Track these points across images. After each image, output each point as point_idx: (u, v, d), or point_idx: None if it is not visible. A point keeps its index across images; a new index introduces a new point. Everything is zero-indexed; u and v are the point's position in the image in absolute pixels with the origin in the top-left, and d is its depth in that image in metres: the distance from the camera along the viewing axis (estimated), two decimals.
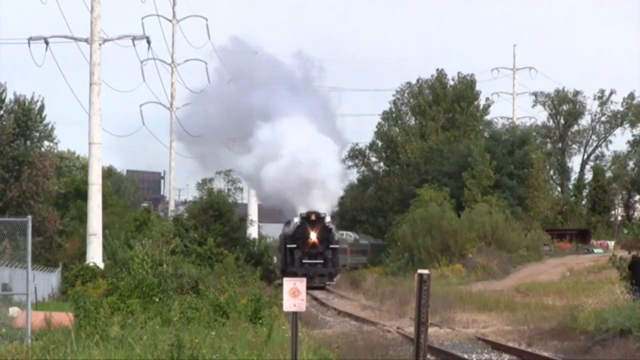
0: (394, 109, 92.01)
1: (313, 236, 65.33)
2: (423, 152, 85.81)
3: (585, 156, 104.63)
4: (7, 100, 63.40)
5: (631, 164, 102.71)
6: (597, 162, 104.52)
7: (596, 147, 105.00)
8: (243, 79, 76.80)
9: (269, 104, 72.69)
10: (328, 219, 66.81)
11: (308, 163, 68.13)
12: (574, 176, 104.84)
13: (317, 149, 68.66)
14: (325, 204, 69.26)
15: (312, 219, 65.76)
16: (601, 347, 24.46)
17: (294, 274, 58.36)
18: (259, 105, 72.67)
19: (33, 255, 26.95)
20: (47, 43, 56.64)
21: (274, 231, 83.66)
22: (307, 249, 65.19)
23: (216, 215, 67.35)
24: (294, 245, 65.45)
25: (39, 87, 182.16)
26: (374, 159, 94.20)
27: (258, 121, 72.73)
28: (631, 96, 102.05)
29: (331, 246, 65.80)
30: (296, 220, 66.32)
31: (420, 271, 15.85)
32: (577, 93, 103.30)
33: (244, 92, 75.70)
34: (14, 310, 29.42)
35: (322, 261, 65.13)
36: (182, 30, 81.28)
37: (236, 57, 77.90)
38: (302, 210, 66.90)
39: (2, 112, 63.15)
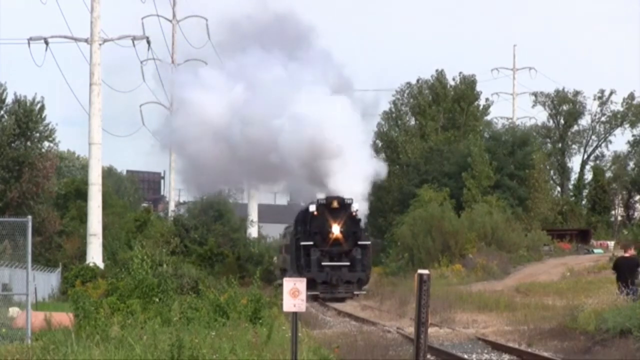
0: (393, 109, 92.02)
1: (336, 230, 50.58)
2: (423, 152, 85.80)
3: (585, 156, 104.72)
4: (7, 101, 63.57)
5: (631, 164, 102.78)
6: (597, 162, 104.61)
7: (596, 147, 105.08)
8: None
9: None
10: (356, 206, 51.44)
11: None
12: (574, 176, 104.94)
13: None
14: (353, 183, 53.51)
15: (333, 207, 50.86)
16: (601, 347, 24.46)
17: (310, 281, 44.40)
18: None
19: (33, 256, 26.98)
20: (47, 43, 56.83)
21: (274, 231, 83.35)
22: (327, 247, 50.78)
23: (216, 216, 67.35)
24: (311, 243, 50.94)
25: (39, 87, 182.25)
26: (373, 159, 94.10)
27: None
28: (631, 96, 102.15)
29: (360, 243, 51.23)
30: (312, 208, 51.19)
31: (420, 271, 15.86)
32: (577, 93, 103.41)
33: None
34: (14, 311, 29.47)
35: (348, 263, 50.58)
36: (182, 30, 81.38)
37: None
38: (320, 195, 52.44)
39: (2, 112, 63.26)
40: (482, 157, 77.34)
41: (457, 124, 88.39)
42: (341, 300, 48.73)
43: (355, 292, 50.16)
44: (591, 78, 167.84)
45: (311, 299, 45.63)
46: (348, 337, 28.47)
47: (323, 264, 50.40)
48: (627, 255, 31.51)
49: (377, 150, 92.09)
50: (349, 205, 50.95)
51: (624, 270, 30.49)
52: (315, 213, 50.74)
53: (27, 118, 62.66)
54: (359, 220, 52.00)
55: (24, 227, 24.20)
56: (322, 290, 49.97)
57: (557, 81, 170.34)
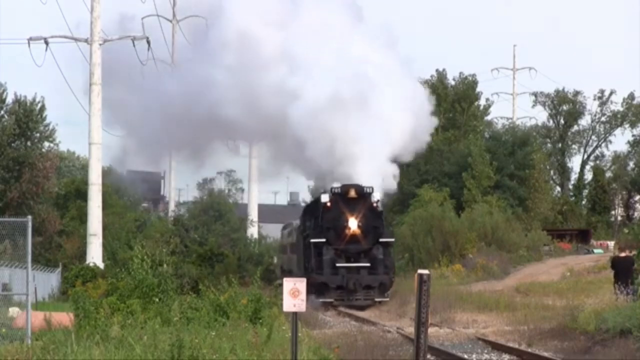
0: None
1: (353, 224, 42.57)
2: (423, 152, 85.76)
3: (585, 156, 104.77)
4: (7, 101, 63.61)
5: (631, 164, 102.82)
6: (597, 162, 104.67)
7: (596, 147, 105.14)
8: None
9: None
10: (377, 196, 43.28)
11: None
12: (574, 176, 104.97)
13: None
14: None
15: (350, 197, 42.76)
16: (601, 347, 24.45)
17: (323, 286, 42.46)
18: None
19: (33, 256, 26.96)
20: (47, 43, 56.74)
21: (274, 231, 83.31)
22: (343, 246, 42.80)
23: (216, 216, 67.33)
24: (323, 240, 42.79)
25: (39, 87, 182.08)
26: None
27: None
28: (631, 96, 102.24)
29: (382, 240, 43.31)
30: (325, 199, 43.12)
31: (420, 271, 15.85)
32: (577, 93, 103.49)
33: None
34: (14, 310, 29.48)
35: (368, 264, 42.83)
36: (182, 30, 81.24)
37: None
38: (335, 184, 43.93)
39: (2, 112, 63.31)
40: (482, 157, 77.32)
41: (458, 124, 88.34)
42: (360, 308, 41.66)
43: (377, 299, 42.49)
44: (591, 78, 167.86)
45: (318, 305, 42.05)
46: (348, 337, 28.45)
47: (338, 265, 42.70)
48: (622, 255, 31.78)
49: None
50: (369, 194, 42.81)
51: (620, 269, 30.76)
52: (329, 204, 42.60)
53: (27, 118, 62.70)
54: (381, 212, 43.96)
55: (24, 227, 24.18)
56: (337, 296, 42.81)
57: (557, 81, 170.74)
